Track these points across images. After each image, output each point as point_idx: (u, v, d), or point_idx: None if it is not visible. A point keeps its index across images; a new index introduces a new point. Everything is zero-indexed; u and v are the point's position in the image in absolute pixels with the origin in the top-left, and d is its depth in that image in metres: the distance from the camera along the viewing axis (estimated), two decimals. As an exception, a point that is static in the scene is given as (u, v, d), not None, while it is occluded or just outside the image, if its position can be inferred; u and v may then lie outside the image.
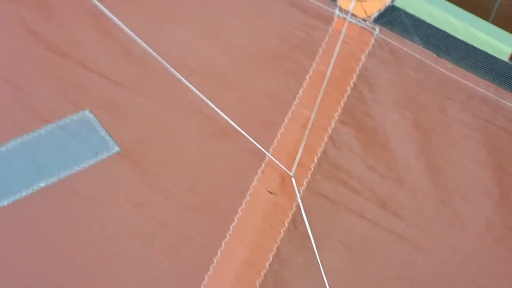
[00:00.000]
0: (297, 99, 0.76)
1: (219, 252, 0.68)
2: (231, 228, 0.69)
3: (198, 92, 0.71)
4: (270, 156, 0.71)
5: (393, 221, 0.71)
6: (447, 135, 0.75)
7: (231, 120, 0.73)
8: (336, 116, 0.75)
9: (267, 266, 0.68)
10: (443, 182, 0.73)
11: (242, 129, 0.72)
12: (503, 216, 0.72)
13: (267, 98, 0.76)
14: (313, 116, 0.75)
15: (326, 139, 0.74)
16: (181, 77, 0.71)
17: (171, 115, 0.74)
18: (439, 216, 0.71)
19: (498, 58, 0.79)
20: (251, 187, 0.72)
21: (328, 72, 0.77)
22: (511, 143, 0.75)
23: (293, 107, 0.76)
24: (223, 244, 0.69)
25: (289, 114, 0.75)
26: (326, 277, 0.67)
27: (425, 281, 0.69)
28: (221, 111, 0.73)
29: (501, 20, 0.86)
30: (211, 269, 0.67)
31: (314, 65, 0.77)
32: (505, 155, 0.74)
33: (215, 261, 0.68)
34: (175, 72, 0.71)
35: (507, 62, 0.78)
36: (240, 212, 0.70)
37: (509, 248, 0.71)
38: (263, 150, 0.71)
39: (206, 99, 0.71)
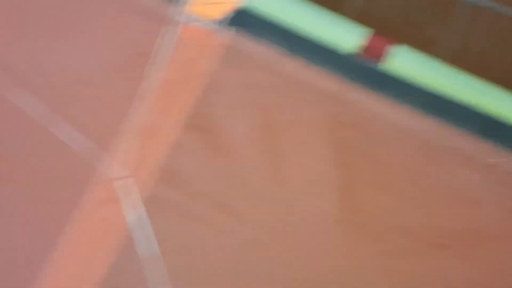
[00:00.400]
0: (144, 107, 0.76)
1: (48, 267, 0.68)
2: (62, 241, 0.69)
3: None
4: (105, 165, 0.70)
5: (235, 223, 0.70)
6: (294, 135, 0.75)
7: (74, 130, 0.72)
8: (182, 122, 0.75)
9: (101, 278, 0.67)
10: (287, 181, 0.72)
11: (83, 141, 0.72)
12: (344, 212, 0.71)
13: (114, 109, 0.75)
14: (157, 123, 0.74)
15: (170, 146, 0.74)
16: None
17: (14, 129, 0.74)
18: (280, 215, 0.71)
19: (347, 52, 0.79)
20: (86, 197, 0.71)
21: (174, 77, 0.76)
22: (356, 138, 0.74)
23: (140, 115, 0.75)
24: (52, 258, 0.68)
25: (135, 122, 0.75)
26: (169, 283, 0.66)
27: (267, 278, 0.69)
28: (65, 122, 0.73)
29: (359, 12, 0.86)
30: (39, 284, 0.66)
31: (162, 71, 0.77)
32: (351, 150, 0.74)
33: (43, 277, 0.67)
34: None
35: (355, 55, 0.78)
36: (72, 224, 0.70)
37: (351, 240, 0.70)
38: (95, 160, 0.71)
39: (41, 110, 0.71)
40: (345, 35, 0.79)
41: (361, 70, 0.77)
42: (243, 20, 0.80)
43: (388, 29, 0.85)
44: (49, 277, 0.67)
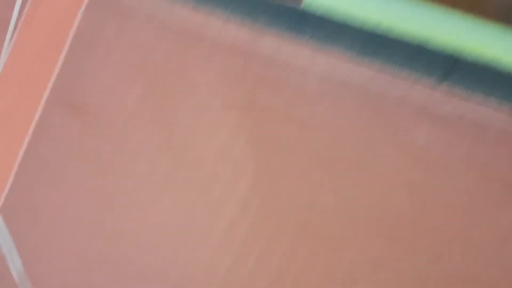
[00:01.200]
0: (-1, 85, 0.59)
1: None
2: None
3: None
4: None
5: (123, 224, 0.54)
6: (192, 103, 0.57)
7: None
8: (44, 99, 0.58)
9: None
10: (187, 163, 0.55)
11: None
12: (260, 197, 0.54)
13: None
14: (13, 105, 0.58)
15: (31, 130, 0.58)
16: None
17: None
18: (180, 210, 0.55)
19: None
20: None
21: (35, 44, 0.59)
22: (273, 98, 0.57)
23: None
24: None
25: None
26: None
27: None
28: None
29: None
30: None
31: (12, 39, 0.60)
32: (267, 114, 0.56)
33: None
34: None
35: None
36: None
37: (267, 231, 0.54)
38: None
39: None
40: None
41: (274, 11, 0.59)
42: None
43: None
44: None
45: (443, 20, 0.57)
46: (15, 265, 0.53)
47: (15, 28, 0.59)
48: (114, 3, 0.60)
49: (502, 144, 0.54)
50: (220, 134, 0.56)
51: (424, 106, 0.55)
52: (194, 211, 0.55)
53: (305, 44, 0.58)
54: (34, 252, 0.54)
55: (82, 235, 0.55)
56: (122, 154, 0.57)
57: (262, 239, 0.54)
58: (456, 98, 0.55)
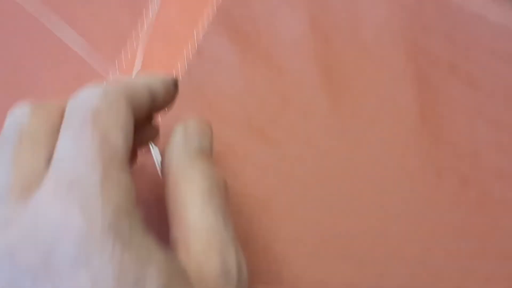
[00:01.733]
0: (157, 6, 0.57)
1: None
2: None
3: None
4: None
5: (277, 149, 0.51)
6: (352, 34, 0.55)
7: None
8: (205, 21, 0.56)
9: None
10: (350, 105, 0.53)
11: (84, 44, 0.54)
12: (422, 145, 0.51)
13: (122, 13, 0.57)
14: (174, 27, 0.56)
15: (189, 51, 0.55)
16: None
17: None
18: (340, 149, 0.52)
19: None
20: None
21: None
22: (438, 48, 0.54)
23: (152, 17, 0.57)
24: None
25: (147, 24, 0.56)
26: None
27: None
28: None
29: None
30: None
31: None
32: (431, 66, 0.53)
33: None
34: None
35: None
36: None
37: (428, 180, 0.50)
38: None
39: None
40: None
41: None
42: None
43: None
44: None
45: None
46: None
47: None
48: None
49: None
50: (383, 75, 0.54)
51: None
52: (352, 157, 0.52)
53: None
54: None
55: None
56: (279, 84, 0.54)
57: (424, 188, 0.51)
58: None
